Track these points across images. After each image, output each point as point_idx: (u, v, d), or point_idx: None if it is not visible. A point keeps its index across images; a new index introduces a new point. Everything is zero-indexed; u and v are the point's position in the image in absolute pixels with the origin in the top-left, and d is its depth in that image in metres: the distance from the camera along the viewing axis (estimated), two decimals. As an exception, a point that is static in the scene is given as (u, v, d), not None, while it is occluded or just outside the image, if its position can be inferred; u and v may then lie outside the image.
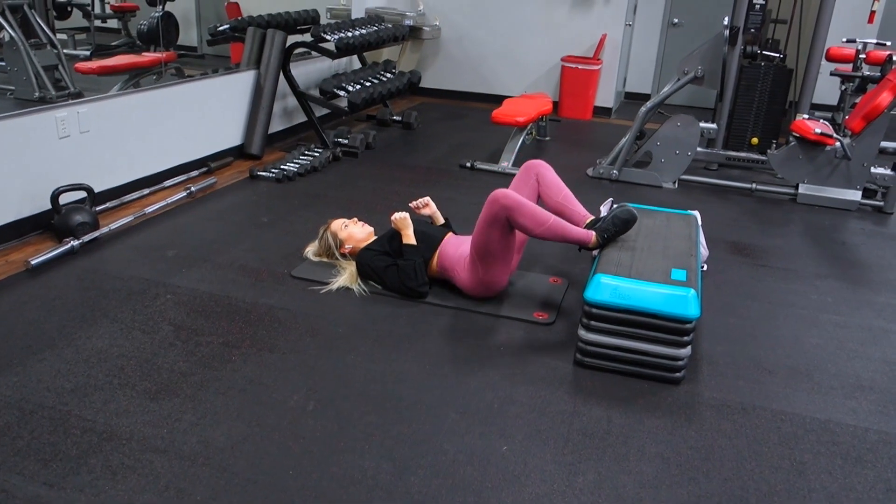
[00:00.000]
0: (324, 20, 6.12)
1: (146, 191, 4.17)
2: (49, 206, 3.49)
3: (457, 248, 3.08)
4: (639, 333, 2.50)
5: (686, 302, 2.42)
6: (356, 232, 3.28)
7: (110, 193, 3.97)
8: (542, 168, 3.18)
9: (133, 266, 3.26)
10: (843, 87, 6.02)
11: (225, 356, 2.57)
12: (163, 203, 3.96)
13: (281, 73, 5.22)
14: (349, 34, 5.33)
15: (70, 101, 3.72)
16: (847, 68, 5.97)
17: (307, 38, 5.39)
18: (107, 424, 2.18)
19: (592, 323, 2.54)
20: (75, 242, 3.33)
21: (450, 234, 3.22)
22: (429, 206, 3.38)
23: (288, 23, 5.50)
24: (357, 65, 6.49)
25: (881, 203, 4.61)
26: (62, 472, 1.98)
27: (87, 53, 4.87)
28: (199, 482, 1.96)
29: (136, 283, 3.10)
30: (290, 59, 5.27)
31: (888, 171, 4.54)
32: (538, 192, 3.15)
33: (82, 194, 3.59)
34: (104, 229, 3.53)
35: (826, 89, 6.86)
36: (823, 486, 2.07)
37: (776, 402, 2.47)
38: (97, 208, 3.71)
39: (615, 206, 3.01)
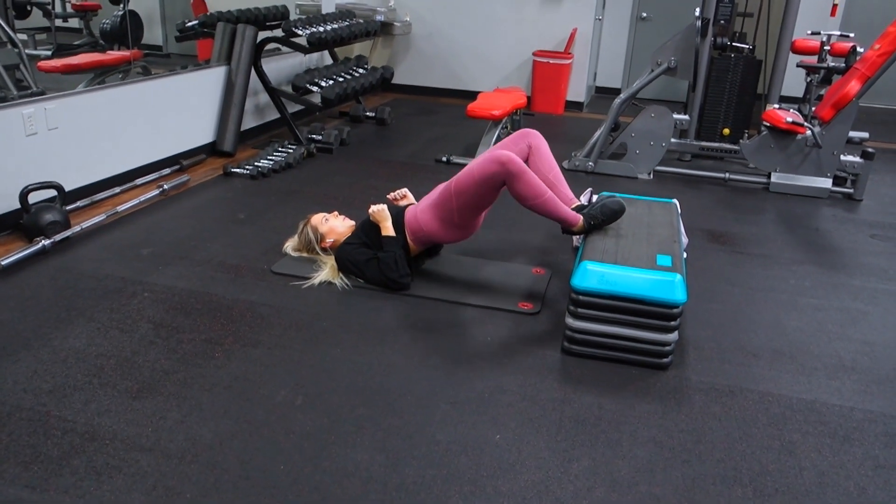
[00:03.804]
0: (293, 16, 6.05)
1: (117, 189, 4.07)
2: (18, 206, 3.39)
3: (415, 211, 3.08)
4: (626, 320, 2.50)
5: (673, 287, 2.43)
6: (337, 225, 3.24)
7: (81, 192, 3.87)
8: (538, 139, 3.16)
9: (107, 265, 3.17)
10: (809, 79, 6.12)
11: (208, 353, 2.52)
12: (135, 201, 3.87)
13: (252, 69, 5.15)
14: (321, 29, 5.27)
15: (36, 98, 3.61)
16: (812, 60, 6.07)
17: (277, 33, 5.32)
18: (88, 425, 2.11)
19: (580, 310, 2.53)
20: (46, 242, 3.23)
21: (407, 207, 3.20)
22: (407, 198, 3.36)
23: (258, 18, 5.43)
24: (328, 61, 6.43)
25: (851, 190, 4.70)
26: (44, 474, 1.91)
27: (49, 53, 4.74)
28: (187, 480, 1.91)
29: (111, 281, 3.02)
30: (261, 54, 5.20)
31: (857, 159, 4.62)
32: (528, 160, 3.13)
33: (52, 193, 3.49)
34: (76, 228, 3.43)
35: (791, 81, 6.97)
36: (814, 465, 2.09)
37: (763, 385, 2.49)
38: (68, 207, 3.61)
39: (597, 196, 3.02)
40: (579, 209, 2.94)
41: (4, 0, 4.11)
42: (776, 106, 4.97)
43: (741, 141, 4.89)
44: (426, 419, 2.21)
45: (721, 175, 4.96)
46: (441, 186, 3.06)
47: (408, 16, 7.41)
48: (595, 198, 3.07)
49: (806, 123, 4.62)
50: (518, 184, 2.78)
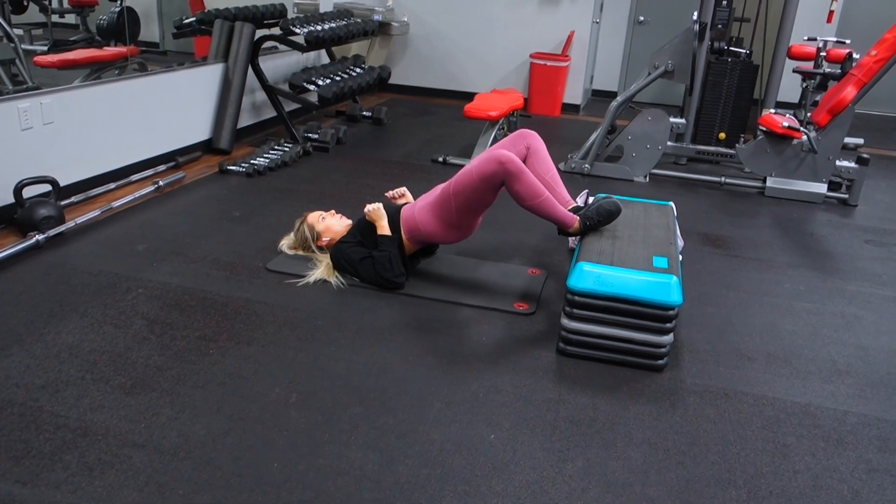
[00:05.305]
0: (291, 14, 6.03)
1: (112, 185, 4.05)
2: (12, 200, 3.36)
3: (412, 210, 3.07)
4: (622, 321, 2.50)
5: (669, 288, 2.43)
6: (334, 224, 3.23)
7: (76, 187, 3.85)
8: (536, 140, 3.17)
9: (101, 260, 3.16)
10: (805, 85, 6.15)
11: (202, 350, 2.51)
12: (130, 197, 3.86)
13: (249, 67, 5.13)
14: (319, 27, 5.27)
15: (32, 93, 3.59)
16: (808, 66, 6.09)
17: (275, 31, 5.30)
18: (81, 420, 2.10)
19: (575, 311, 2.53)
20: (40, 237, 3.21)
21: (403, 206, 3.19)
22: (405, 196, 3.35)
23: (255, 16, 5.41)
24: (325, 60, 6.42)
25: (846, 196, 4.71)
26: (36, 469, 1.90)
27: (45, 48, 4.72)
28: (180, 477, 1.90)
29: (105, 277, 3.00)
30: (259, 52, 5.19)
31: (852, 165, 4.63)
32: (525, 161, 3.13)
33: (47, 187, 3.47)
34: (70, 223, 3.41)
35: (787, 87, 6.99)
36: (808, 468, 2.10)
37: (757, 388, 2.49)
38: (62, 202, 3.59)
39: (593, 197, 3.02)
40: (575, 210, 2.94)
41: (0, -5, 4.11)
42: (772, 111, 4.99)
43: (737, 145, 4.90)
44: (421, 418, 2.20)
45: (717, 179, 4.97)
46: (440, 187, 3.06)
47: (406, 16, 7.40)
48: (591, 199, 3.07)
49: (802, 128, 4.63)
50: (517, 184, 2.79)
